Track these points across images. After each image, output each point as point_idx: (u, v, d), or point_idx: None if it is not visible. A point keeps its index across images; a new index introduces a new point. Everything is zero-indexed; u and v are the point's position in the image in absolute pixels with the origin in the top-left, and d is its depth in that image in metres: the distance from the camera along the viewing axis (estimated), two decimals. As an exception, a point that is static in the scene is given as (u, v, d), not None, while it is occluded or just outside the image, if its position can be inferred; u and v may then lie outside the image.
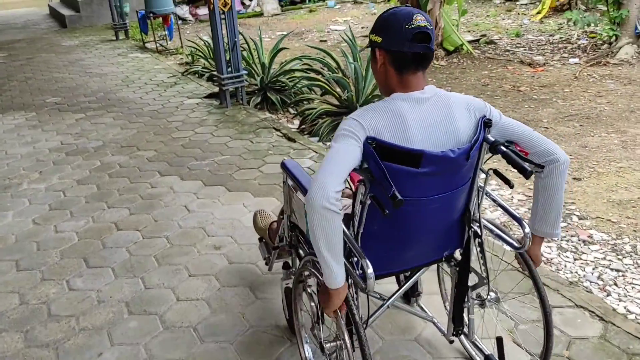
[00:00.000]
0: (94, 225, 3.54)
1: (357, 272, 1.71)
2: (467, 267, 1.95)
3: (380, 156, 1.56)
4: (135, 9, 12.19)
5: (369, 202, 1.64)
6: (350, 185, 1.81)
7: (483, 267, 1.93)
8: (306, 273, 1.98)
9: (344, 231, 1.63)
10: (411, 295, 2.38)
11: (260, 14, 13.74)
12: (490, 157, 1.78)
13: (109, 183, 4.19)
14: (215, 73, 6.72)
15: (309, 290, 2.04)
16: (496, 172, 1.81)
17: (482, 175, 1.83)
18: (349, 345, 1.75)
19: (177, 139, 5.10)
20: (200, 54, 8.11)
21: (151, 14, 9.24)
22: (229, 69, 5.99)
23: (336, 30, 11.15)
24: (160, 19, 9.56)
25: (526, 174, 1.59)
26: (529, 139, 1.76)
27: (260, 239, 2.76)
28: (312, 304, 2.01)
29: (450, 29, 8.23)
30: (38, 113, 6.17)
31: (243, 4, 14.36)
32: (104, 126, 5.59)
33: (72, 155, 4.81)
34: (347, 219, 1.77)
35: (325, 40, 10.09)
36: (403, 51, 1.60)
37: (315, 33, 10.95)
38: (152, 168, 4.43)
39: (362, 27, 11.17)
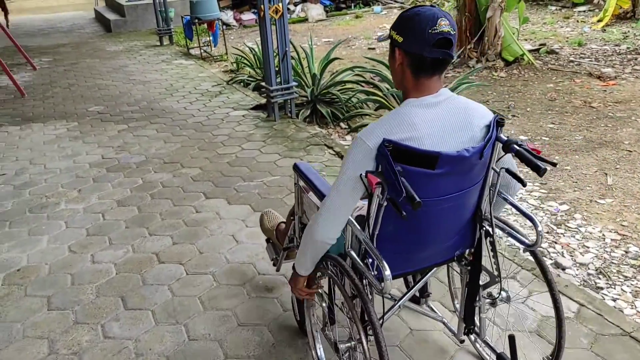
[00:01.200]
0: (133, 256, 3.22)
1: (372, 272, 1.75)
2: (479, 266, 1.95)
3: (396, 159, 1.56)
4: (180, 14, 12.05)
5: (385, 204, 1.64)
6: (367, 187, 1.70)
7: (495, 266, 1.94)
8: (318, 274, 1.99)
9: (359, 234, 1.74)
10: (420, 297, 2.36)
11: (305, 20, 13.43)
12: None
13: (151, 205, 3.88)
14: (262, 83, 6.41)
15: (320, 291, 2.07)
16: (508, 171, 1.80)
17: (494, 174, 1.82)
18: (365, 343, 1.74)
19: (223, 155, 4.78)
20: (245, 61, 7.82)
21: (197, 20, 9.01)
22: (278, 80, 5.64)
23: (374, 38, 10.74)
24: (205, 24, 9.33)
25: (540, 172, 1.60)
26: (511, 163, 1.87)
27: (267, 240, 2.76)
28: (324, 304, 2.05)
29: (511, 37, 7.71)
30: (80, 123, 5.95)
31: (287, 9, 14.07)
32: (147, 139, 5.31)
33: (113, 172, 4.53)
34: (362, 220, 1.78)
35: (374, 48, 9.68)
36: (423, 55, 1.60)
37: (362, 40, 10.56)
38: (197, 189, 4.10)
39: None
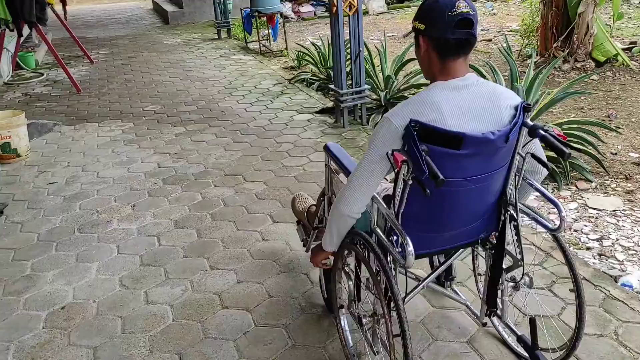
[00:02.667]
0: (192, 297, 2.76)
1: (397, 249, 1.78)
2: (502, 250, 1.98)
3: (422, 139, 1.60)
4: (238, 6, 11.64)
5: (410, 182, 1.67)
6: (393, 165, 1.70)
7: (518, 250, 1.96)
8: (345, 252, 2.05)
9: (385, 211, 1.79)
10: (445, 280, 2.41)
11: (365, 13, 12.80)
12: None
13: (212, 229, 3.42)
14: (327, 84, 5.90)
15: (346, 269, 2.11)
16: (533, 156, 1.81)
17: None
18: (387, 318, 1.79)
19: (289, 167, 4.28)
20: (308, 58, 7.30)
21: (257, 13, 8.56)
22: (349, 83, 5.10)
23: (454, 32, 10.02)
24: (265, 18, 8.86)
25: (564, 156, 1.64)
26: (537, 147, 1.87)
27: (298, 222, 2.81)
28: (350, 282, 2.09)
29: (604, 35, 6.91)
30: (135, 124, 5.59)
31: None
32: (206, 145, 4.88)
33: (170, 184, 4.11)
34: (388, 200, 1.82)
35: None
36: (446, 37, 1.64)
37: (429, 35, 9.86)
38: (263, 209, 3.62)
39: (482, 30, 9.96)
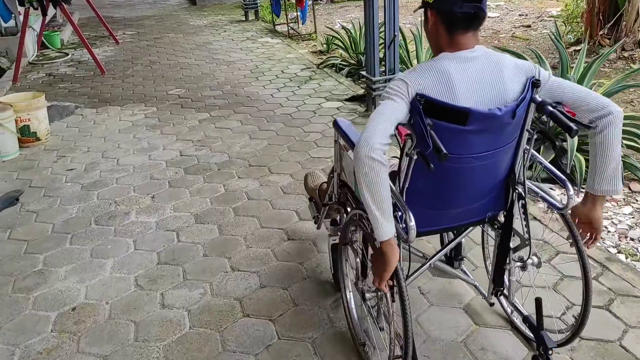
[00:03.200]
0: (211, 301, 2.55)
1: (401, 225, 1.73)
2: (510, 229, 1.95)
3: (428, 113, 1.58)
4: (267, -14, 11.36)
5: (415, 157, 1.66)
6: (398, 140, 1.71)
7: (525, 229, 1.92)
8: (352, 228, 2.05)
9: (394, 191, 1.71)
10: (454, 259, 2.37)
11: (399, -5, 12.38)
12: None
13: (234, 225, 3.20)
14: (358, 70, 5.62)
15: (354, 246, 2.09)
16: (542, 132, 1.77)
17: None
18: (389, 296, 1.79)
19: (317, 160, 4.04)
20: (338, 42, 7.01)
21: (286, -5, 8.28)
22: (382, 70, 4.82)
23: (490, 17, 9.59)
24: (294, 0, 8.57)
25: (572, 133, 1.58)
26: (579, 96, 1.73)
27: (310, 199, 2.80)
28: (357, 259, 2.06)
29: (655, 22, 6.46)
30: (159, 108, 5.39)
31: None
32: (230, 133, 4.66)
33: (192, 174, 3.91)
34: (393, 176, 1.81)
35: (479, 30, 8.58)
36: (454, 11, 1.62)
37: (464, 20, 9.46)
38: (288, 205, 3.39)
39: (520, 15, 9.52)
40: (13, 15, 6.49)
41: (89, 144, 4.58)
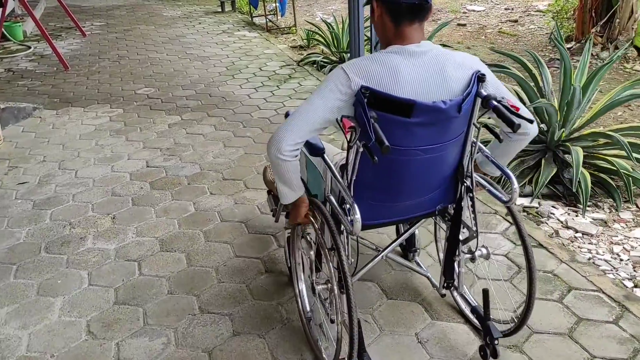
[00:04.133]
0: (175, 354, 2.19)
1: (349, 218, 1.75)
2: (459, 221, 1.99)
3: (373, 106, 1.58)
4: (244, -24, 10.88)
5: (361, 150, 1.67)
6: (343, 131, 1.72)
7: (473, 222, 1.96)
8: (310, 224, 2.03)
9: (337, 179, 1.81)
10: (408, 251, 2.49)
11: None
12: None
13: (205, 253, 2.83)
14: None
15: (307, 238, 2.10)
16: (487, 127, 1.79)
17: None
18: (336, 288, 1.81)
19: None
20: (320, 38, 6.63)
21: (264, -15, 7.85)
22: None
23: (475, 10, 9.28)
24: (274, -9, 8.16)
25: (514, 128, 1.60)
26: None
27: (268, 192, 2.75)
28: (311, 252, 2.06)
29: (648, 21, 6.21)
30: (125, 110, 4.96)
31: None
32: (203, 139, 4.26)
33: (159, 189, 3.51)
34: (341, 169, 1.86)
35: (465, 24, 8.28)
36: (398, 1, 1.64)
37: (448, 13, 9.15)
38: (266, 228, 3.03)
39: (506, 9, 9.23)
40: (-34, 5, 5.98)
41: (46, 152, 4.15)
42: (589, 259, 2.77)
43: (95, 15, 9.64)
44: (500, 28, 8.04)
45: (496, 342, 2.01)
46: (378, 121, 1.57)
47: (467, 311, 2.27)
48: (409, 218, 2.03)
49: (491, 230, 2.93)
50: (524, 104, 3.78)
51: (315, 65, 6.15)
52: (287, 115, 1.99)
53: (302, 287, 2.29)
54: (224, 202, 3.32)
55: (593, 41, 6.35)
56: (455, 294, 2.33)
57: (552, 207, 3.29)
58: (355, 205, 1.67)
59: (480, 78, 1.69)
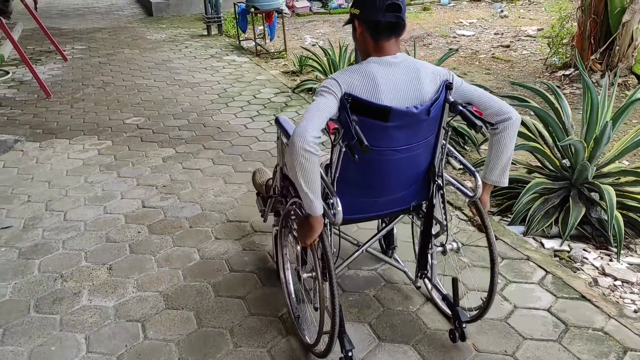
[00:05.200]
0: None
1: (332, 212, 1.94)
2: (431, 217, 2.21)
3: (354, 110, 1.80)
4: (230, -1, 10.71)
5: (344, 150, 1.86)
6: (327, 133, 1.88)
7: (443, 217, 2.18)
8: (293, 217, 2.21)
9: (322, 177, 1.89)
10: (388, 248, 2.73)
11: (367, 10, 11.90)
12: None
13: (216, 311, 2.54)
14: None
15: (294, 233, 2.20)
16: (454, 129, 2.23)
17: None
18: (320, 277, 1.97)
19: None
20: (315, 64, 6.41)
21: (253, 9, 7.64)
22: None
23: (465, 35, 9.21)
24: (262, 15, 7.95)
25: (476, 129, 1.83)
26: (484, 99, 2.01)
27: (257, 194, 2.92)
28: (298, 247, 2.17)
29: (648, 48, 6.15)
30: (114, 142, 4.66)
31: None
32: (201, 175, 3.99)
33: (158, 234, 3.22)
34: (326, 168, 2.06)
35: (457, 50, 8.16)
36: (378, 20, 1.86)
37: (438, 38, 9.06)
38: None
39: (496, 34, 9.18)
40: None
41: (30, 190, 3.82)
42: (635, 311, 2.56)
43: (76, 38, 9.32)
44: (493, 53, 7.95)
45: (464, 326, 2.23)
46: (359, 124, 1.78)
47: (438, 299, 2.48)
48: (386, 213, 2.26)
49: (526, 280, 2.70)
50: (543, 138, 3.60)
51: (311, 93, 5.93)
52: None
53: (288, 274, 2.49)
54: (232, 249, 3.05)
55: (592, 67, 6.28)
56: (428, 284, 2.53)
57: (584, 250, 3.09)
58: (337, 199, 1.91)
59: (448, 86, 1.92)
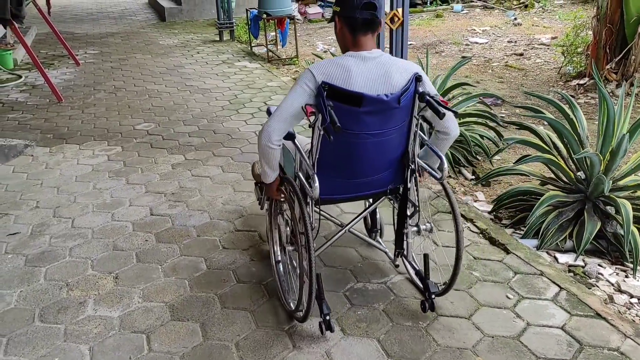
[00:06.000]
0: None
1: (311, 189, 2.22)
2: (406, 199, 2.47)
3: (331, 97, 2.04)
4: (241, 4, 10.73)
5: (322, 132, 2.10)
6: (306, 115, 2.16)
7: (416, 199, 2.45)
8: (282, 199, 2.50)
9: (304, 159, 2.30)
10: (371, 231, 3.00)
11: (380, 17, 11.85)
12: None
13: (222, 323, 2.50)
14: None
15: (284, 215, 2.60)
16: (423, 118, 2.28)
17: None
18: (302, 249, 2.22)
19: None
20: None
21: (265, 15, 7.63)
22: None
23: (478, 43, 9.14)
24: (275, 21, 7.94)
25: (440, 116, 2.06)
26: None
27: (255, 184, 3.13)
28: (288, 228, 2.53)
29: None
30: (124, 148, 4.65)
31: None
32: (210, 183, 3.96)
33: (165, 242, 3.19)
34: (308, 153, 2.31)
35: (471, 58, 8.08)
36: (355, 16, 2.11)
37: (450, 45, 9.00)
38: (291, 292, 2.70)
39: (509, 42, 9.10)
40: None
41: (39, 196, 3.81)
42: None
43: (89, 43, 9.36)
44: (507, 62, 7.88)
45: (433, 297, 2.47)
46: (335, 109, 2.01)
47: (413, 274, 2.72)
48: (365, 194, 2.50)
49: (539, 296, 2.64)
50: (558, 150, 3.53)
51: (322, 100, 5.88)
52: (268, 111, 2.48)
53: (277, 249, 2.72)
54: (239, 259, 3.01)
55: (607, 77, 6.19)
56: (404, 261, 2.75)
57: (599, 265, 3.02)
58: (316, 177, 2.18)
59: (417, 79, 2.17)
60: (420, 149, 2.44)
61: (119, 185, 3.94)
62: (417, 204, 2.44)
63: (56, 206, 3.66)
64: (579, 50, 6.81)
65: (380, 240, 2.95)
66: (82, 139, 4.90)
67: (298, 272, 2.32)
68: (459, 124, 4.51)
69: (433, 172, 2.34)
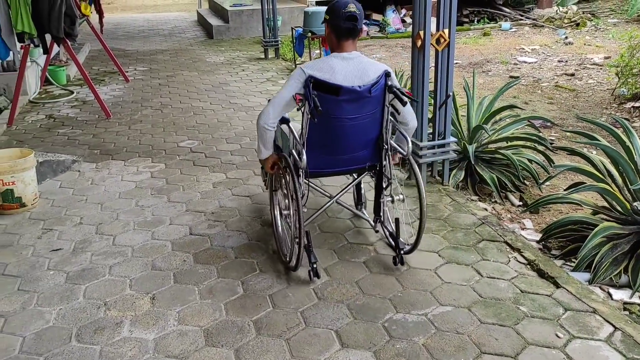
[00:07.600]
0: None
1: (301, 161, 2.84)
2: (381, 174, 3.08)
3: (316, 88, 2.63)
4: (287, 23, 10.82)
5: (309, 116, 2.69)
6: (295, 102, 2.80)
7: (390, 173, 3.03)
8: (275, 173, 3.10)
9: (296, 138, 2.91)
10: (357, 204, 3.61)
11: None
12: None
13: (257, 352, 2.44)
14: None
15: (283, 190, 3.04)
16: (392, 106, 2.81)
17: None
18: (291, 212, 2.86)
19: (358, 247, 3.28)
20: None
21: (310, 34, 7.66)
22: (430, 132, 4.10)
23: (527, 62, 8.92)
24: (320, 40, 7.95)
25: (403, 103, 2.75)
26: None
27: (262, 167, 3.53)
28: (286, 200, 2.99)
29: None
30: (167, 165, 4.69)
31: (403, 21, 12.53)
32: (249, 203, 3.94)
33: (203, 264, 3.17)
34: (299, 133, 2.88)
35: (517, 77, 7.87)
36: (340, 25, 2.70)
37: (498, 64, 8.81)
38: (325, 320, 2.63)
39: (560, 61, 8.84)
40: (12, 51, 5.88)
41: (83, 212, 3.87)
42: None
43: (139, 59, 9.60)
44: (557, 82, 7.64)
45: (402, 252, 3.00)
46: (319, 98, 2.59)
47: (387, 235, 3.20)
48: (348, 169, 3.13)
49: (592, 336, 2.47)
50: (612, 178, 3.35)
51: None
52: (269, 101, 2.87)
53: (276, 213, 3.27)
54: (276, 283, 2.95)
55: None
56: (382, 226, 3.24)
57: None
58: (304, 151, 2.79)
59: (387, 75, 2.75)
60: (393, 135, 3.01)
61: (161, 203, 3.97)
62: (390, 177, 3.02)
63: (99, 223, 3.70)
64: (635, 71, 6.54)
65: (364, 211, 3.55)
66: (127, 155, 4.98)
67: (292, 231, 2.84)
68: (506, 147, 4.40)
69: (399, 149, 2.95)
